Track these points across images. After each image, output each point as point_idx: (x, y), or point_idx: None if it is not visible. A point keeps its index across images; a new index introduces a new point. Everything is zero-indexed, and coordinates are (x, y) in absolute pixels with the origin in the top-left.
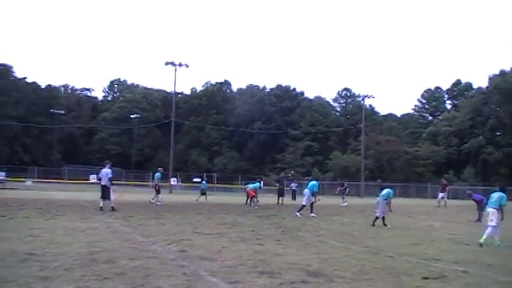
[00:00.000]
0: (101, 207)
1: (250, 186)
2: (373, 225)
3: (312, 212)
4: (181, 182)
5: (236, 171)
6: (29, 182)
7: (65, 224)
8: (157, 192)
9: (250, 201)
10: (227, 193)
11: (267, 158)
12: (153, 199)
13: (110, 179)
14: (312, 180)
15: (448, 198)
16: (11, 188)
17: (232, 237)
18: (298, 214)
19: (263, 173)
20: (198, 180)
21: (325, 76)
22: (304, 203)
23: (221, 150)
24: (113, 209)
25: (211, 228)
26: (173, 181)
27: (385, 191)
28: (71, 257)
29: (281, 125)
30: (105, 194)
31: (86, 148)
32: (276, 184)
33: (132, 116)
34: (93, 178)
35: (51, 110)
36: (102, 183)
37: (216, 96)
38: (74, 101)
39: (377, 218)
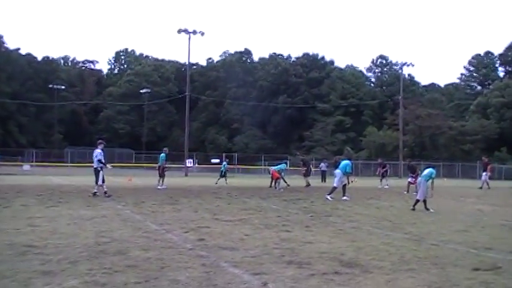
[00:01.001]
0: (94, 192)
1: (275, 167)
2: (414, 209)
3: (344, 195)
4: (198, 163)
5: (259, 151)
6: (26, 167)
7: (69, 212)
8: (161, 175)
9: (275, 183)
10: (249, 175)
11: (293, 136)
12: (159, 185)
13: (100, 161)
14: (344, 159)
15: (497, 179)
16: (6, 174)
17: (255, 223)
18: (329, 197)
19: (289, 152)
20: (217, 161)
21: (357, 42)
22: (335, 185)
23: (242, 128)
24: (94, 194)
25: (232, 214)
26: (189, 163)
27: (427, 171)
28: (76, 249)
29: (308, 98)
30: (96, 176)
31: (90, 128)
32: (302, 165)
33: (141, 91)
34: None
35: (50, 85)
36: (93, 166)
37: (235, 68)
38: (76, 74)
39: (418, 201)
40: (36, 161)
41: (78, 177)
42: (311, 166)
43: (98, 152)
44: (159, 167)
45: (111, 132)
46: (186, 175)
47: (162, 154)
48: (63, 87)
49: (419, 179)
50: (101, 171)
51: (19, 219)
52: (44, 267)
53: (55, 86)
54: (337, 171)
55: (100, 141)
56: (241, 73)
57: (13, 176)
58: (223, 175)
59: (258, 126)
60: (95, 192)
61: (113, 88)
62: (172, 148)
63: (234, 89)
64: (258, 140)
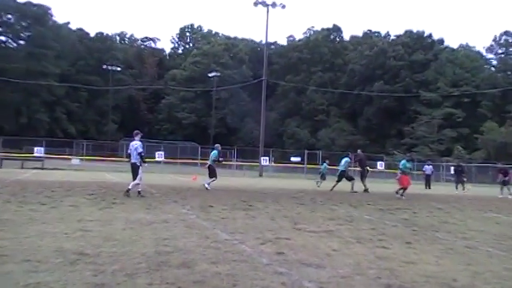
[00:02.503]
0: (128, 189)
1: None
2: None
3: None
4: (274, 162)
5: (347, 148)
6: (75, 160)
7: (125, 216)
8: (211, 175)
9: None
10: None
11: (390, 131)
12: (208, 184)
13: (141, 155)
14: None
15: None
16: (53, 168)
17: (345, 236)
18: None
19: (385, 152)
20: (297, 159)
21: (474, 16)
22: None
23: (328, 120)
24: (139, 193)
25: (316, 224)
26: (264, 161)
27: None
28: (133, 259)
29: (410, 85)
30: (135, 174)
31: (149, 117)
32: (357, 164)
33: (210, 75)
34: (159, 156)
35: (104, 66)
36: (131, 161)
37: (321, 48)
38: (134, 54)
39: None
40: (86, 154)
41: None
42: (367, 166)
43: (138, 144)
44: (209, 166)
45: (174, 123)
46: (260, 175)
47: (214, 151)
48: (118, 68)
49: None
50: (140, 167)
51: (68, 222)
52: (97, 279)
53: (110, 67)
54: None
55: (137, 131)
56: (329, 54)
57: (60, 171)
58: (324, 177)
59: (347, 119)
60: (129, 189)
61: (177, 71)
62: (244, 142)
63: (319, 74)
64: (346, 135)
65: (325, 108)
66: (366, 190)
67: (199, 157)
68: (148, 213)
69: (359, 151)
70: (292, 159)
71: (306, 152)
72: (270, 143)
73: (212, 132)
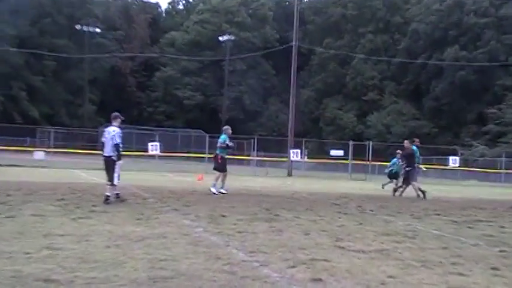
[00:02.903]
0: (107, 196)
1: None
2: None
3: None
4: (308, 156)
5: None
6: (39, 154)
7: (108, 229)
8: (217, 168)
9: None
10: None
11: (468, 115)
12: (215, 187)
13: (117, 147)
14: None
15: None
16: (9, 165)
17: (405, 258)
18: None
19: (459, 142)
20: (339, 153)
21: None
22: None
23: (381, 100)
24: (107, 200)
25: (366, 242)
26: (294, 155)
27: None
28: (120, 287)
29: (498, 51)
30: (110, 173)
31: (140, 95)
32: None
33: (221, 39)
34: (153, 149)
35: (78, 26)
36: (104, 154)
37: (372, 1)
38: (118, 11)
39: None
40: (54, 146)
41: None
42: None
43: (116, 132)
44: (216, 156)
45: (173, 104)
46: (289, 174)
47: (222, 136)
48: (97, 30)
49: None
50: (117, 163)
51: (30, 238)
52: None
53: (85, 28)
54: None
55: (116, 113)
56: (383, 10)
57: (19, 168)
58: (393, 176)
59: (407, 98)
60: (108, 196)
61: (176, 33)
62: (267, 131)
63: (369, 37)
64: (406, 120)
65: (378, 83)
66: (421, 193)
67: (207, 150)
68: (139, 225)
69: (406, 142)
70: (333, 152)
71: (352, 143)
72: (303, 131)
73: (224, 117)
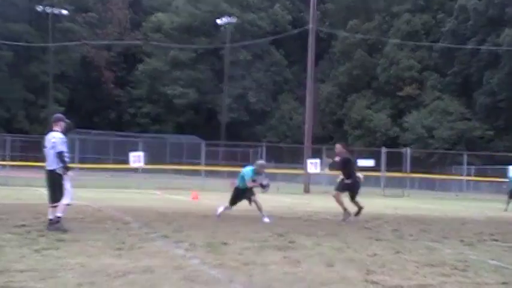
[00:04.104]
0: (50, 220)
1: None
2: None
3: None
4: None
5: (456, 143)
6: None
7: (81, 261)
8: (231, 201)
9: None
10: (434, 194)
11: None
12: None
13: (60, 155)
14: None
15: None
16: None
17: None
18: None
19: None
20: (369, 164)
21: None
22: None
23: (421, 96)
24: (54, 221)
25: (405, 274)
26: (313, 166)
27: None
28: None
29: None
30: (54, 190)
31: (119, 93)
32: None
33: (219, 21)
34: (135, 160)
35: (40, 8)
36: (47, 167)
37: None
38: None
39: None
40: (12, 158)
41: (97, 191)
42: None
43: (55, 139)
44: (238, 187)
45: (160, 104)
46: (306, 190)
47: (248, 170)
48: (64, 11)
49: None
50: (65, 178)
51: None
52: None
53: (48, 10)
54: None
55: (58, 115)
56: None
57: None
58: None
59: (454, 93)
60: (51, 220)
61: (163, 16)
62: (278, 136)
63: (405, 16)
64: (453, 120)
65: (417, 75)
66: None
67: (203, 161)
68: (120, 256)
69: (338, 146)
70: (361, 162)
71: (384, 150)
72: (323, 136)
73: (224, 119)
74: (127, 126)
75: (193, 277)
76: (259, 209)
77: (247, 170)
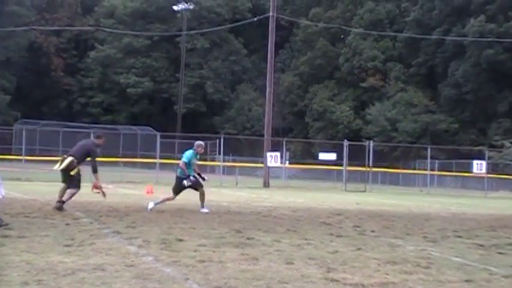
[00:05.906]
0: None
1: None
2: None
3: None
4: (290, 161)
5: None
6: None
7: (28, 259)
8: (174, 190)
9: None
10: (400, 189)
11: (498, 105)
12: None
13: None
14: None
15: None
16: None
17: None
18: None
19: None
20: (330, 157)
21: None
22: None
23: (385, 88)
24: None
25: (367, 272)
26: (272, 159)
27: None
28: None
29: None
30: None
31: (69, 82)
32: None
33: (176, 8)
34: None
35: None
36: None
37: None
38: None
39: None
40: None
41: (44, 184)
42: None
43: None
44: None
45: (112, 93)
46: (266, 185)
47: (189, 152)
48: None
49: None
50: None
51: None
52: None
53: None
54: None
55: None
56: None
57: None
58: None
59: (418, 85)
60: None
61: (116, 0)
62: (237, 128)
63: (369, 5)
64: (417, 113)
65: (380, 65)
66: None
67: (158, 153)
68: (69, 253)
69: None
70: (323, 156)
71: (347, 143)
72: (283, 128)
73: (180, 110)
74: (77, 116)
75: (146, 275)
76: (202, 200)
77: (188, 152)
